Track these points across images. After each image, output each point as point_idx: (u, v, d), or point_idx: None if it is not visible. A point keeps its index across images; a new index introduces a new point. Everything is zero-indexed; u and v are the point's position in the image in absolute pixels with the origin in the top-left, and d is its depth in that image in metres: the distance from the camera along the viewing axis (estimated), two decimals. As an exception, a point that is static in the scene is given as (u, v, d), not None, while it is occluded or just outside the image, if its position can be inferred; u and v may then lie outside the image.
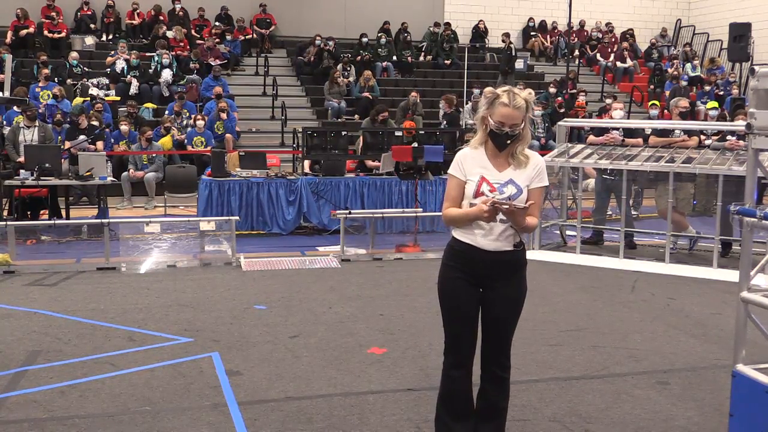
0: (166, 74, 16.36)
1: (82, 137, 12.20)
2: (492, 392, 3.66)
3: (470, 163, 3.52)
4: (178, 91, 15.57)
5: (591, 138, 10.23)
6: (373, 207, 10.42)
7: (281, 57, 19.54)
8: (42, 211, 10.49)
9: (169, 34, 18.09)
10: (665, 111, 15.16)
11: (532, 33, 22.17)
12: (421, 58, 20.30)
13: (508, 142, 3.46)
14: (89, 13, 18.69)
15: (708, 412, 4.45)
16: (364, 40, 19.28)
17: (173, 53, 17.29)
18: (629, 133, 10.05)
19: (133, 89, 16.12)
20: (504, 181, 3.48)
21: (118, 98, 15.78)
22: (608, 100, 15.82)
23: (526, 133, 3.50)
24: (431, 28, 20.56)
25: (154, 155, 13.14)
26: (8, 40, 16.67)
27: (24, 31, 17.03)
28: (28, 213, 10.42)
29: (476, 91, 17.19)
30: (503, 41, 19.71)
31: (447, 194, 3.58)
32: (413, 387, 4.78)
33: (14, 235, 8.37)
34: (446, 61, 19.93)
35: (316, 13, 20.45)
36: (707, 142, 9.96)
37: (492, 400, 3.66)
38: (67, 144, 11.97)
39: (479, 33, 21.55)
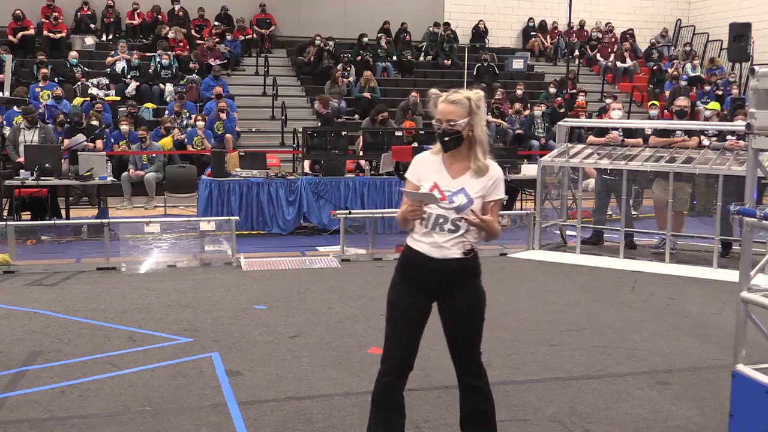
0: (169, 88, 16.32)
1: (79, 136, 12.19)
2: (473, 399, 3.58)
3: (425, 168, 3.43)
4: (178, 91, 15.58)
5: (591, 138, 10.23)
6: (373, 207, 10.41)
7: (281, 57, 19.54)
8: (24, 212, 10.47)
9: (170, 34, 18.09)
10: (665, 111, 15.17)
11: (532, 33, 22.18)
12: (421, 58, 20.30)
13: (447, 139, 3.34)
14: (89, 13, 18.69)
15: (708, 412, 4.45)
16: (364, 40, 19.29)
17: (173, 53, 17.29)
18: (629, 133, 10.05)
19: (130, 90, 16.10)
20: (456, 189, 3.36)
21: (118, 98, 15.78)
22: (608, 100, 15.82)
23: (479, 136, 3.36)
24: (431, 28, 20.57)
25: (154, 155, 13.15)
26: (16, 40, 16.68)
27: (21, 33, 17.01)
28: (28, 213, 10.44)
29: (476, 91, 17.16)
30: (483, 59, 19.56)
31: (404, 198, 3.48)
32: (413, 387, 4.76)
33: (14, 235, 8.37)
34: (446, 61, 19.92)
35: (316, 13, 20.46)
36: (705, 142, 9.96)
37: (476, 408, 3.57)
38: (66, 143, 11.97)
39: (479, 33, 21.56)
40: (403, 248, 3.54)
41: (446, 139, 3.35)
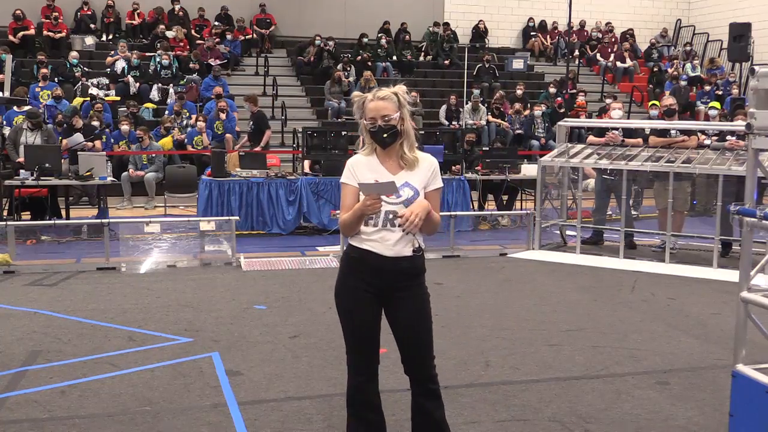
0: (153, 90, 16.34)
1: (78, 136, 12.19)
2: (428, 405, 3.52)
3: (362, 169, 3.38)
4: (178, 92, 15.58)
5: (591, 138, 10.23)
6: (373, 207, 10.39)
7: (281, 57, 19.54)
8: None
9: (169, 34, 18.10)
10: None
11: (532, 33, 22.18)
12: (421, 58, 20.30)
13: (385, 135, 3.32)
14: (89, 13, 18.70)
15: (708, 412, 4.45)
16: (364, 40, 19.29)
17: (173, 53, 17.29)
18: (629, 133, 10.05)
19: (132, 88, 16.10)
20: (399, 185, 3.32)
21: (118, 98, 15.78)
22: (608, 100, 15.83)
23: (407, 130, 3.39)
24: (431, 28, 20.57)
25: (154, 155, 13.15)
26: (16, 40, 16.68)
27: (21, 33, 17.01)
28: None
29: (476, 91, 17.19)
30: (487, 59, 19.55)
31: (343, 202, 3.40)
32: (413, 387, 4.77)
33: (14, 235, 8.37)
34: (446, 61, 19.92)
35: (316, 13, 20.46)
36: (706, 141, 9.96)
37: (431, 415, 3.52)
38: (64, 142, 11.97)
39: (479, 33, 21.56)
40: (347, 250, 3.44)
41: (385, 135, 3.33)
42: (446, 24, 20.79)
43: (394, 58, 19.54)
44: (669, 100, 10.10)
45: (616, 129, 10.05)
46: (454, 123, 16.19)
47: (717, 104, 15.91)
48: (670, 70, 20.48)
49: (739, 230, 4.14)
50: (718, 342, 5.80)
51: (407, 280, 3.38)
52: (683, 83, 19.53)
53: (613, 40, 22.25)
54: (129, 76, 16.29)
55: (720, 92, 19.17)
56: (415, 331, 3.43)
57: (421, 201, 3.33)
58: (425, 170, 3.41)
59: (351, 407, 3.53)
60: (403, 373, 3.53)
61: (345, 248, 3.49)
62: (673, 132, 9.62)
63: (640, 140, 9.96)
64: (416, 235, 3.37)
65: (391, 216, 3.33)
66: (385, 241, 3.32)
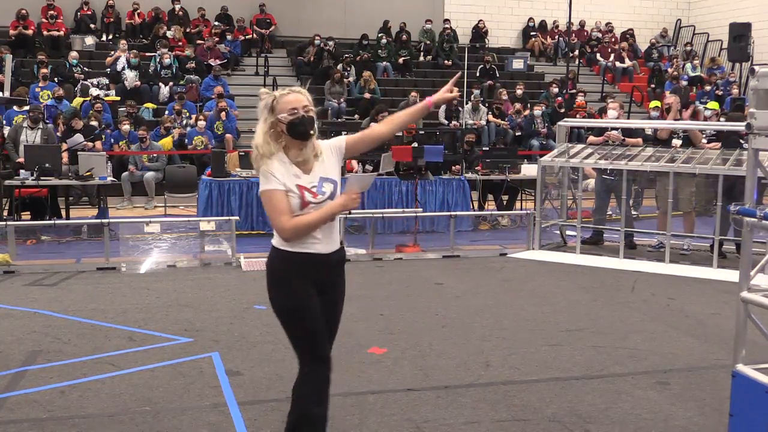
0: (131, 75, 16.36)
1: (78, 136, 12.20)
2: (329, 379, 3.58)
3: (282, 173, 3.27)
4: (178, 92, 15.58)
5: (591, 138, 10.23)
6: (373, 207, 10.41)
7: (281, 57, 19.54)
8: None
9: (168, 33, 18.10)
10: (664, 112, 15.15)
11: (532, 33, 22.18)
12: (421, 58, 20.30)
13: (308, 126, 3.29)
14: (89, 13, 18.70)
15: (708, 412, 4.45)
16: (365, 42, 19.28)
17: (173, 53, 17.29)
18: (629, 133, 10.06)
19: (131, 81, 16.08)
20: (317, 182, 3.33)
21: (118, 98, 15.78)
22: (609, 100, 15.83)
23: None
24: (424, 27, 20.57)
25: (154, 155, 13.15)
26: (15, 35, 16.68)
27: (19, 30, 17.02)
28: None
29: (476, 91, 17.19)
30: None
31: (278, 208, 3.25)
32: (413, 387, 4.78)
33: (14, 235, 8.37)
34: (446, 61, 19.92)
35: (316, 13, 20.46)
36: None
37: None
38: (64, 146, 11.98)
39: (479, 33, 21.56)
40: (283, 255, 3.34)
41: (308, 125, 3.31)
42: (446, 20, 20.79)
43: (395, 59, 19.54)
44: (670, 99, 10.11)
45: (616, 129, 10.06)
46: (454, 122, 16.21)
47: (715, 104, 15.89)
48: (670, 70, 20.48)
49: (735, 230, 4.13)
50: (718, 342, 5.80)
51: (340, 272, 3.52)
52: (683, 83, 19.53)
53: (613, 40, 22.25)
54: (129, 71, 16.26)
55: (720, 92, 19.17)
56: (338, 316, 3.58)
57: (347, 190, 3.31)
58: (331, 155, 3.45)
59: (313, 403, 3.45)
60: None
61: (274, 254, 3.38)
62: (673, 136, 9.62)
63: (639, 140, 9.96)
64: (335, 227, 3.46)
65: None
66: (324, 239, 3.36)
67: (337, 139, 3.52)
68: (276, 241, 3.38)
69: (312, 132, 3.34)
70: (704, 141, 9.91)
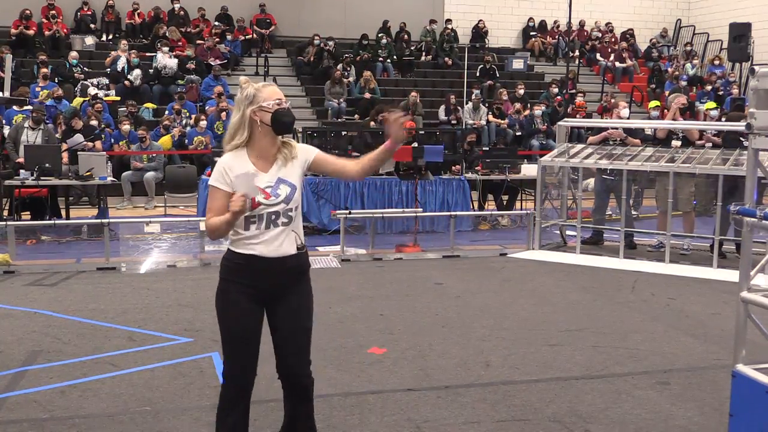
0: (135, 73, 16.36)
1: (78, 136, 12.21)
2: (299, 405, 3.44)
3: (237, 173, 3.20)
4: (178, 91, 15.58)
5: (591, 138, 10.23)
6: (373, 207, 10.41)
7: (281, 57, 19.55)
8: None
9: (166, 34, 18.10)
10: (664, 111, 15.14)
11: (532, 33, 22.18)
12: (422, 58, 20.31)
13: (289, 117, 3.25)
14: (89, 13, 18.70)
15: (708, 412, 4.45)
16: (365, 42, 19.28)
17: (173, 53, 17.29)
18: (629, 133, 10.05)
19: (135, 77, 16.08)
20: (274, 182, 3.23)
21: (118, 98, 15.78)
22: (614, 100, 15.82)
23: None
24: (427, 27, 20.58)
25: (154, 155, 13.16)
26: (15, 34, 16.69)
27: (20, 29, 17.03)
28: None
29: (476, 91, 17.20)
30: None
31: (209, 207, 3.25)
32: (413, 387, 4.78)
33: (14, 235, 8.37)
34: (447, 59, 19.90)
35: (316, 13, 20.46)
36: (707, 145, 9.95)
37: (302, 413, 3.45)
38: (64, 146, 11.98)
39: (479, 33, 21.56)
40: (227, 256, 3.32)
41: (289, 117, 3.25)
42: (447, 20, 20.79)
43: (394, 58, 19.55)
44: (682, 99, 10.11)
45: (615, 128, 10.06)
46: (453, 121, 16.21)
47: (712, 104, 15.89)
48: (670, 70, 20.48)
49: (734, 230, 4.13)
50: (718, 342, 5.80)
51: (293, 280, 3.32)
52: (683, 83, 19.53)
53: (613, 40, 22.26)
54: (134, 71, 16.27)
55: (720, 92, 19.17)
56: (295, 330, 3.33)
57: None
58: (301, 162, 3.32)
59: (220, 423, 3.40)
60: (280, 376, 3.42)
61: (225, 254, 3.34)
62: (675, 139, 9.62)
63: (638, 141, 9.96)
64: (297, 231, 3.30)
65: (273, 217, 3.23)
66: (269, 243, 3.22)
67: (308, 148, 3.42)
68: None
69: (291, 126, 3.30)
70: (709, 134, 9.93)
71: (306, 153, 3.37)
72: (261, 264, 3.23)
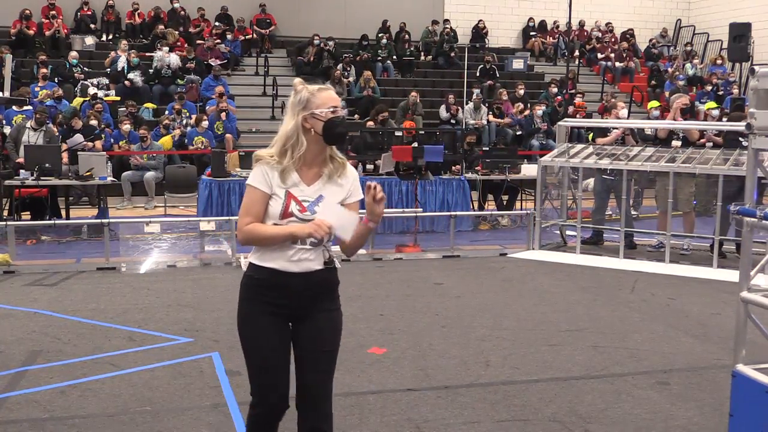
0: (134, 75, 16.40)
1: (78, 136, 12.20)
2: None
3: (274, 175, 2.95)
4: (178, 92, 15.58)
5: (600, 140, 10.24)
6: (373, 207, 10.38)
7: (281, 57, 19.54)
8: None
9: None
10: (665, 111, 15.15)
11: (532, 33, 22.18)
12: (422, 58, 20.31)
13: (344, 128, 3.01)
14: (89, 13, 18.70)
15: (708, 412, 4.45)
16: (364, 42, 19.28)
17: (173, 53, 17.29)
18: (630, 132, 10.06)
19: (135, 77, 16.09)
20: (314, 199, 2.95)
21: (118, 98, 15.78)
22: (613, 100, 15.82)
23: None
24: (429, 27, 20.59)
25: (153, 155, 13.15)
26: (14, 35, 16.69)
27: (19, 29, 17.03)
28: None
29: (476, 91, 17.20)
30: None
31: (246, 209, 2.96)
32: (413, 387, 4.78)
33: (14, 235, 8.37)
34: (450, 54, 19.87)
35: (316, 13, 20.46)
36: (708, 145, 9.96)
37: None
38: (64, 146, 11.98)
39: (479, 33, 21.56)
40: (249, 271, 3.04)
41: (344, 128, 3.00)
42: (446, 20, 20.79)
43: (394, 58, 19.54)
44: (684, 99, 10.11)
45: (616, 129, 10.07)
46: (454, 109, 16.23)
47: (712, 104, 15.89)
48: (670, 70, 20.47)
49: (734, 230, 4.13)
50: (718, 342, 5.80)
51: (320, 297, 3.01)
52: (680, 83, 19.53)
53: (613, 40, 22.26)
54: (135, 73, 16.27)
55: (720, 92, 19.17)
56: (320, 352, 3.01)
57: (321, 216, 2.92)
58: (348, 181, 3.04)
59: None
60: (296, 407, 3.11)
61: (246, 271, 3.07)
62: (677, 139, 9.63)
63: (634, 141, 9.96)
64: (326, 246, 3.01)
65: None
66: (293, 257, 2.95)
67: (358, 188, 3.08)
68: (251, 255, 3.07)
69: (345, 137, 3.07)
70: (711, 133, 9.93)
71: (355, 191, 3.07)
72: (283, 279, 2.95)
